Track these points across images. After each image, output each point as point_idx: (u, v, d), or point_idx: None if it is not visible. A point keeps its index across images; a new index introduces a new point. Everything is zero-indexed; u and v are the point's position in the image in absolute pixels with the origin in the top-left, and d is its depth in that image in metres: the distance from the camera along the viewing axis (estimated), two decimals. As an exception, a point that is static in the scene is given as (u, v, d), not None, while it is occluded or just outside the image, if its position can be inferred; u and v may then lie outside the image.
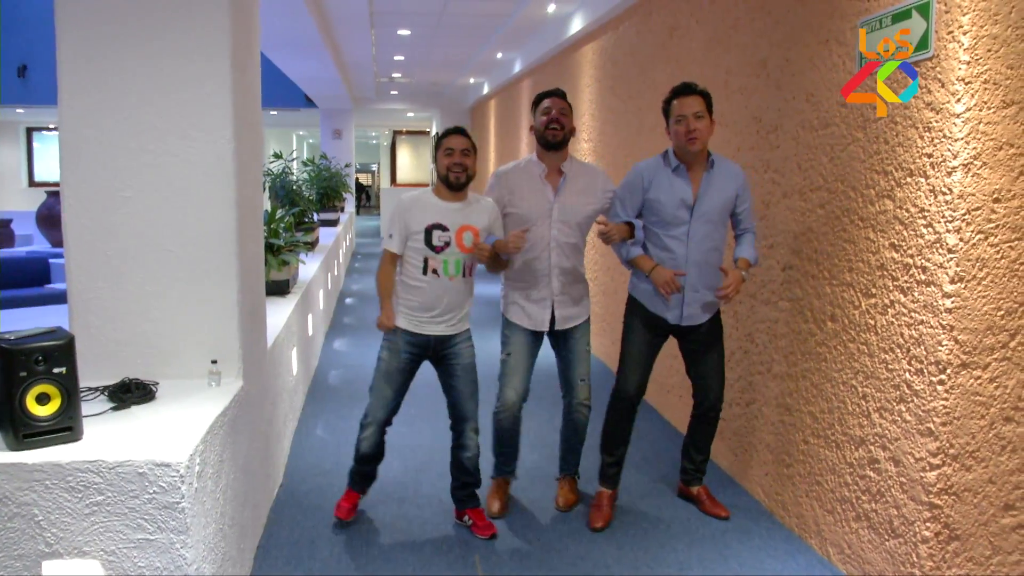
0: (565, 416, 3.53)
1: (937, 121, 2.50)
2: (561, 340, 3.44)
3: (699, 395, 3.44)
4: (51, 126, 17.78)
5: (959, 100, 2.43)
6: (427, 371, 3.32)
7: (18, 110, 15.63)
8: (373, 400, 3.26)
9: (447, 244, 3.11)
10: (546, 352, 3.49)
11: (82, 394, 2.32)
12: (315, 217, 8.86)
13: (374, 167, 31.21)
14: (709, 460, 3.63)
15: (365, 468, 3.38)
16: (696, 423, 3.51)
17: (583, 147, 6.93)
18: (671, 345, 3.51)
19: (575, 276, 3.38)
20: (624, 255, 3.32)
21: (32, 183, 17.92)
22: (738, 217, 3.29)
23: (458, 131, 3.20)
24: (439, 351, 3.23)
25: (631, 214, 3.30)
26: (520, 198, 3.32)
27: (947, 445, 2.55)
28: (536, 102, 3.40)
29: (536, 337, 3.40)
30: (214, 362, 2.69)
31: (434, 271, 3.13)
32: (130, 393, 2.48)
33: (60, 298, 7.02)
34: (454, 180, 3.12)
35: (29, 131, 18.07)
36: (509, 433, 3.45)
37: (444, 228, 3.12)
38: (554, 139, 3.30)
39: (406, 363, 3.21)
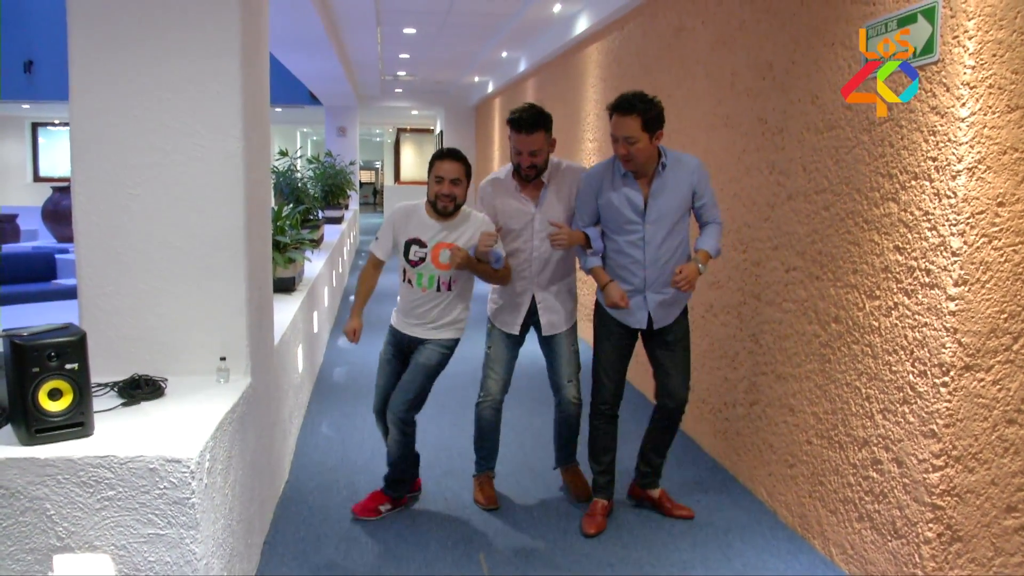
0: (557, 414, 3.59)
1: (942, 125, 2.52)
2: (545, 343, 3.49)
3: (663, 394, 3.31)
4: (56, 121, 17.81)
5: (964, 104, 2.44)
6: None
7: (24, 105, 15.66)
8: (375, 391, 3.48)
9: (422, 259, 3.21)
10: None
11: (92, 390, 2.34)
12: (320, 214, 8.88)
13: (378, 164, 31.35)
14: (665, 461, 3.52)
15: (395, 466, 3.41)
16: (658, 425, 3.38)
17: (588, 147, 6.94)
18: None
19: (561, 284, 3.41)
20: (583, 264, 3.32)
21: (37, 178, 17.95)
22: (699, 211, 3.25)
23: (451, 155, 3.19)
24: (410, 348, 3.35)
25: (589, 222, 3.29)
26: (502, 212, 3.35)
27: (950, 447, 2.56)
28: (510, 126, 3.24)
29: (516, 335, 3.46)
30: (223, 359, 2.72)
31: (409, 281, 3.26)
32: (140, 389, 2.50)
33: (66, 294, 7.05)
34: (441, 208, 3.19)
35: (34, 126, 18.11)
36: (490, 426, 3.52)
37: (422, 244, 3.21)
38: (528, 177, 3.30)
39: (391, 355, 3.39)
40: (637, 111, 3.03)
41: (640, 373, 5.07)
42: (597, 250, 3.26)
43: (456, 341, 3.35)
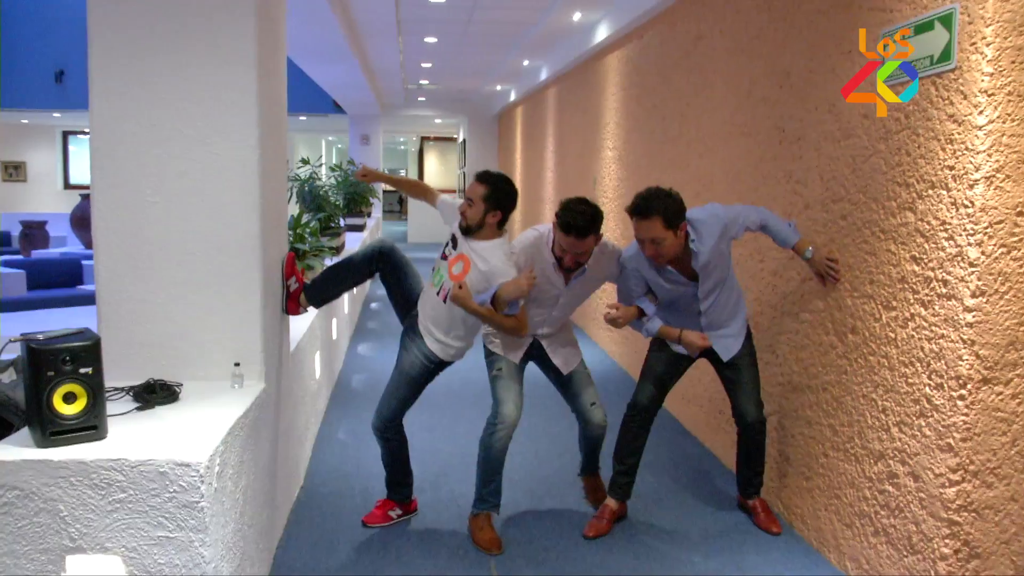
0: (583, 434, 3.55)
1: (959, 133, 2.48)
2: (559, 376, 3.44)
3: (736, 414, 3.45)
4: (86, 130, 18.10)
5: (982, 112, 2.41)
6: (445, 379, 3.36)
7: (55, 114, 15.96)
8: None
9: (444, 259, 3.22)
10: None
11: (108, 394, 2.38)
12: (342, 222, 8.93)
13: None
14: (761, 474, 3.55)
15: None
16: (741, 443, 3.51)
17: (608, 155, 6.93)
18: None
19: (563, 327, 3.44)
20: (645, 332, 3.36)
21: (67, 186, 18.28)
22: (751, 228, 3.26)
23: (476, 176, 3.16)
24: (406, 327, 3.35)
25: (640, 293, 3.32)
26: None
27: (967, 461, 2.52)
28: (559, 222, 3.04)
29: (518, 363, 3.40)
30: (237, 364, 2.74)
31: (433, 270, 3.28)
32: (155, 394, 2.53)
33: (91, 299, 7.12)
34: (459, 225, 3.20)
35: (65, 135, 18.45)
36: (502, 455, 3.26)
37: (455, 246, 3.21)
38: (569, 269, 3.20)
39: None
40: (656, 212, 3.01)
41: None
42: (652, 314, 3.31)
43: (439, 361, 3.23)
